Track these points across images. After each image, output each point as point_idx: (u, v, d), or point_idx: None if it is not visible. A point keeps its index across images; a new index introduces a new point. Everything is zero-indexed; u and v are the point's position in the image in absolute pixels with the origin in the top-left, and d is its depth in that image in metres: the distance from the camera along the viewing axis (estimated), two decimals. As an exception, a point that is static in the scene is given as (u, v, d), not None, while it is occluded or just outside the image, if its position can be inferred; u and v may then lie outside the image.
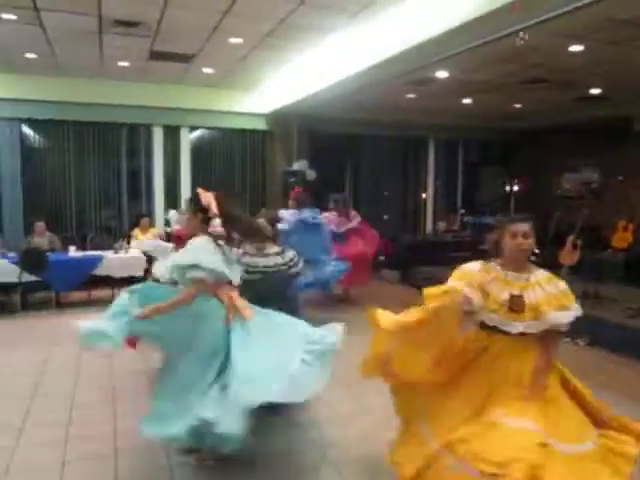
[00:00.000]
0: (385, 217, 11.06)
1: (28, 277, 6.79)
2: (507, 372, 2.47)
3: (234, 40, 6.31)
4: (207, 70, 7.88)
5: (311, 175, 9.33)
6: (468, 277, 2.52)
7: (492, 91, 8.51)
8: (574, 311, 2.43)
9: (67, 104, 8.49)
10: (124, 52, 6.91)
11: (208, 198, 3.01)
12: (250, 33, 6.06)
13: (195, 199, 3.04)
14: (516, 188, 11.06)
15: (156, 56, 7.02)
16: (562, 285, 2.49)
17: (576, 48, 6.08)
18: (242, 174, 9.96)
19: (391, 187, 11.44)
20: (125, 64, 7.52)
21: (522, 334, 2.44)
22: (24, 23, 5.68)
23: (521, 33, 4.61)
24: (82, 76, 8.28)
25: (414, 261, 9.21)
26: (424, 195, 11.71)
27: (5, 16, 5.46)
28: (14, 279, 6.77)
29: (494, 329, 2.49)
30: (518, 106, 9.94)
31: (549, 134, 10.97)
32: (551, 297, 2.43)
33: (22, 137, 8.64)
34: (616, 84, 7.91)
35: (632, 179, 9.54)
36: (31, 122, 8.67)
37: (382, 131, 10.68)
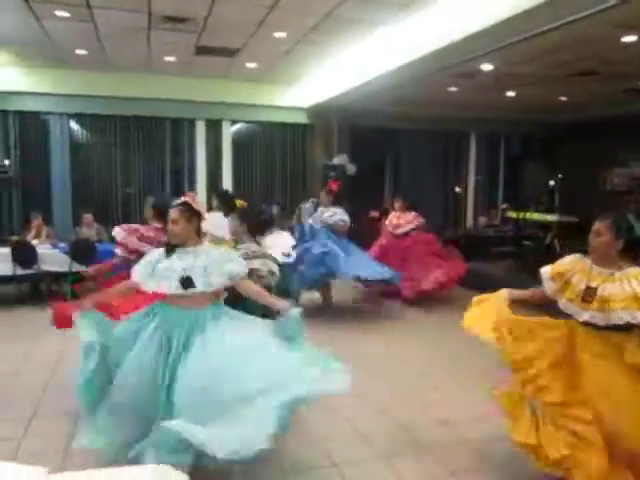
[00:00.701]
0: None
1: (78, 267, 6.99)
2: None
3: (278, 35, 6.35)
4: (250, 65, 7.95)
5: (351, 169, 9.31)
6: (557, 267, 2.77)
7: (537, 84, 8.32)
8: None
9: (114, 99, 8.71)
10: (171, 47, 7.04)
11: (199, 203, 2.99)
12: (294, 27, 6.09)
13: (187, 205, 2.92)
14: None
15: (202, 51, 7.12)
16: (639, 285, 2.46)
17: (629, 39, 5.90)
18: (282, 168, 10.03)
19: (432, 181, 11.31)
20: (171, 59, 7.66)
21: (600, 327, 2.55)
22: (77, 20, 5.85)
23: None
24: (129, 71, 8.47)
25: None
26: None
27: (59, 13, 5.63)
28: (65, 269, 7.01)
29: (570, 317, 2.68)
30: (563, 99, 9.69)
31: (595, 127, 10.65)
32: (625, 294, 2.44)
33: (71, 132, 8.91)
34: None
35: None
36: (79, 117, 8.92)
37: (423, 125, 10.57)
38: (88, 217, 7.86)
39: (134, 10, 5.51)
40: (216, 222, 4.31)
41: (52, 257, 6.98)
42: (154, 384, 2.73)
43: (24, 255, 6.82)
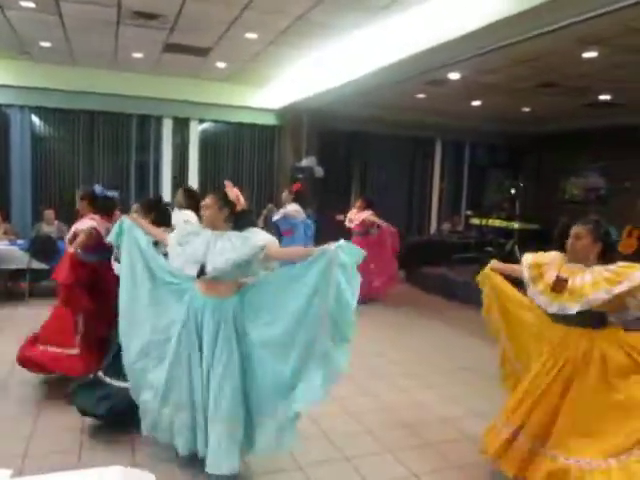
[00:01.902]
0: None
1: (37, 264, 6.82)
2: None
3: (250, 35, 6.33)
4: (220, 64, 7.89)
5: (319, 172, 9.36)
6: (537, 257, 2.90)
7: (502, 94, 8.53)
8: (615, 287, 2.51)
9: (78, 93, 8.50)
10: (139, 43, 6.93)
11: (236, 193, 3.00)
12: (266, 29, 6.08)
13: (223, 194, 2.99)
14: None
15: (171, 48, 7.04)
16: (615, 268, 2.59)
17: (590, 54, 6.12)
18: (250, 168, 9.98)
19: (397, 186, 11.45)
20: (139, 55, 7.53)
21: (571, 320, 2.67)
22: (42, 11, 5.70)
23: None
24: (94, 66, 8.29)
25: (419, 260, 9.26)
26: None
27: (24, 4, 5.48)
28: (22, 266, 6.81)
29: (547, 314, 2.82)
30: (527, 110, 9.96)
31: (557, 139, 11.01)
32: (595, 280, 2.57)
33: (32, 126, 8.65)
34: (626, 91, 7.95)
35: (639, 185, 9.59)
36: (41, 110, 8.67)
37: (391, 130, 10.70)
38: (49, 213, 7.67)
39: (103, 4, 5.41)
40: (188, 219, 4.31)
41: (10, 254, 6.78)
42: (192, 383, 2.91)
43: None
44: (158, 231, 3.30)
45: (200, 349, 2.87)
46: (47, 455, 3.17)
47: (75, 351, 3.97)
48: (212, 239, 2.90)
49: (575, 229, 2.72)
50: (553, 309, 2.71)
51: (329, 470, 3.17)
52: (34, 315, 6.24)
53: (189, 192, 5.24)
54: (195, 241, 2.94)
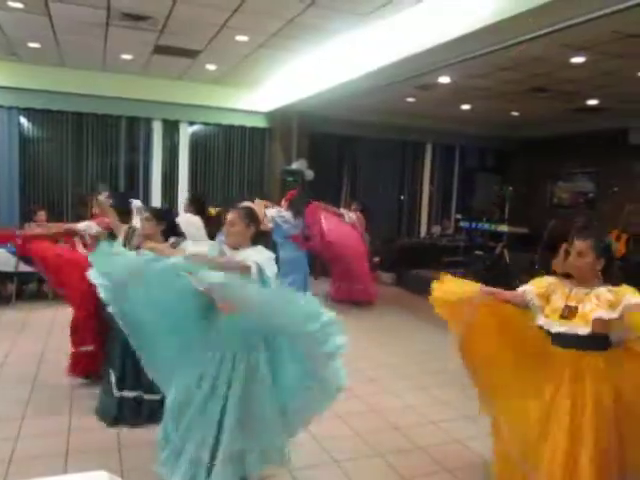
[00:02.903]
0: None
1: (25, 267, 6.74)
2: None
3: (240, 38, 6.32)
4: (210, 67, 7.88)
5: (309, 175, 9.36)
6: (538, 287, 2.76)
7: (492, 98, 8.59)
8: (614, 312, 2.46)
9: (67, 95, 8.44)
10: (129, 45, 6.90)
11: (262, 211, 2.96)
12: (257, 31, 6.08)
13: (250, 210, 2.91)
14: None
15: (161, 50, 7.01)
16: (612, 295, 2.52)
17: (578, 60, 6.18)
18: (241, 171, 9.96)
19: (387, 190, 11.49)
20: (128, 57, 7.50)
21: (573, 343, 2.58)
22: (31, 12, 5.66)
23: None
24: (83, 67, 8.24)
25: (409, 264, 9.28)
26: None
27: (12, 4, 5.43)
28: (10, 269, 6.74)
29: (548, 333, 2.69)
30: (516, 114, 10.04)
31: (545, 143, 11.10)
32: (598, 303, 2.52)
33: (20, 126, 8.58)
34: (613, 96, 8.03)
35: (626, 190, 9.69)
36: (30, 111, 8.60)
37: (381, 134, 10.73)
38: (41, 215, 7.56)
39: (92, 5, 5.37)
40: (194, 223, 4.33)
41: (-3, 256, 6.71)
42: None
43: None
44: (173, 252, 3.10)
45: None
46: (33, 460, 3.14)
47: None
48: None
49: (578, 245, 2.61)
50: (560, 329, 2.61)
51: (318, 474, 3.16)
52: (21, 318, 6.22)
53: (195, 199, 5.38)
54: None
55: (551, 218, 10.24)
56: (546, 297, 2.71)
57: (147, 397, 3.56)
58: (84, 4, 5.35)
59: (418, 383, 4.69)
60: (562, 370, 2.63)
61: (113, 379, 3.62)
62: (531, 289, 2.77)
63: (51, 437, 3.42)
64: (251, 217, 2.87)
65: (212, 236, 4.76)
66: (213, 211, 6.13)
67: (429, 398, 4.38)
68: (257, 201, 2.92)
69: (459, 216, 11.35)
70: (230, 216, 2.85)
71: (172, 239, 3.65)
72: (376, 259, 9.25)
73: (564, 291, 2.66)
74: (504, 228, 9.21)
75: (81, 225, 4.65)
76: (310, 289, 6.04)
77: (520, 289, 2.82)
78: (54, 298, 7.09)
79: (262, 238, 2.94)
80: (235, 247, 2.82)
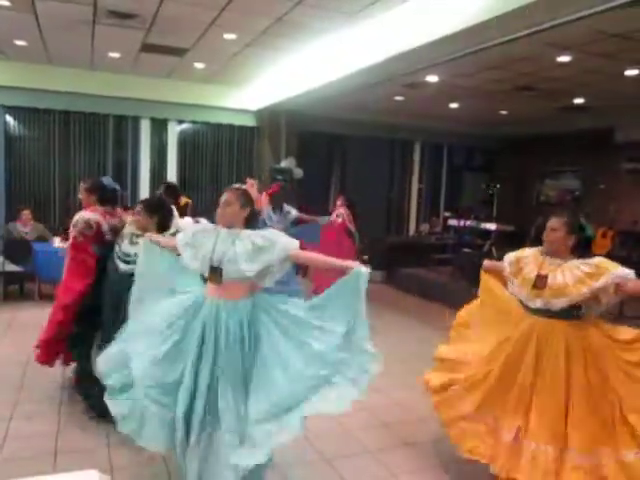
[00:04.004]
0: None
1: (12, 267, 6.71)
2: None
3: (228, 36, 6.31)
4: (198, 65, 7.85)
5: (298, 173, 9.34)
6: (518, 253, 3.04)
7: (479, 97, 8.65)
8: (597, 283, 2.64)
9: (54, 93, 8.38)
10: (116, 43, 6.86)
11: (255, 193, 2.87)
12: (245, 30, 6.07)
13: (245, 191, 2.80)
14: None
15: (148, 49, 6.98)
16: (596, 262, 2.71)
17: (564, 59, 6.24)
18: (229, 169, 9.94)
19: (376, 188, 11.52)
20: (116, 55, 7.45)
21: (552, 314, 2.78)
22: (17, 10, 5.61)
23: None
24: (71, 65, 8.18)
25: (398, 261, 9.32)
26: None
27: (-2, 2, 5.39)
28: (-4, 268, 6.70)
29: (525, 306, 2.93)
30: (504, 113, 10.11)
31: (532, 142, 11.19)
32: (575, 278, 2.70)
33: (6, 125, 8.50)
34: (599, 95, 8.12)
35: (612, 187, 9.80)
36: (16, 110, 8.53)
37: (369, 132, 10.76)
38: (27, 213, 7.50)
39: (78, 2, 5.34)
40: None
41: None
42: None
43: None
44: (171, 241, 3.06)
45: (201, 349, 2.63)
46: (21, 461, 3.12)
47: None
48: (228, 239, 2.66)
49: (550, 222, 2.86)
50: (537, 304, 2.82)
51: (308, 471, 3.17)
52: (7, 318, 6.17)
53: (169, 187, 5.26)
54: (207, 241, 2.71)
55: (538, 216, 10.33)
56: (520, 264, 2.96)
57: None
58: (70, 1, 5.31)
59: (406, 380, 4.69)
60: (530, 330, 2.86)
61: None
62: (509, 255, 3.07)
63: (39, 438, 3.40)
64: (246, 198, 2.77)
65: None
66: (187, 201, 6.17)
67: (417, 394, 4.39)
68: (249, 181, 2.87)
69: (447, 214, 11.41)
70: (225, 195, 2.73)
71: (172, 230, 3.55)
72: (365, 257, 9.27)
73: (537, 262, 2.88)
74: (492, 226, 9.26)
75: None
76: (295, 280, 6.04)
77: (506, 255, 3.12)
78: (40, 298, 7.06)
79: (256, 219, 2.87)
80: (229, 227, 2.72)
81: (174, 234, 3.53)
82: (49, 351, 3.95)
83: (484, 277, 3.37)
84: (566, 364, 2.72)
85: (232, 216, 2.71)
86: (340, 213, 7.64)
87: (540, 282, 2.79)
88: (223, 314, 2.61)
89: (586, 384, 2.69)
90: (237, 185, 2.93)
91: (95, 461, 3.09)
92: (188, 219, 4.45)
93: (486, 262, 3.43)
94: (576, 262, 2.76)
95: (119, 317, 3.25)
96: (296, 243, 2.70)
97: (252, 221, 2.80)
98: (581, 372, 2.70)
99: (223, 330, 2.59)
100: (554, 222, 2.85)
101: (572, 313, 2.76)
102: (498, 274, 3.24)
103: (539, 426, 2.69)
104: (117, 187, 4.36)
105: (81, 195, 4.19)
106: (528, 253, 2.99)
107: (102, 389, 2.89)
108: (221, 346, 2.58)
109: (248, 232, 2.69)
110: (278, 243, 2.62)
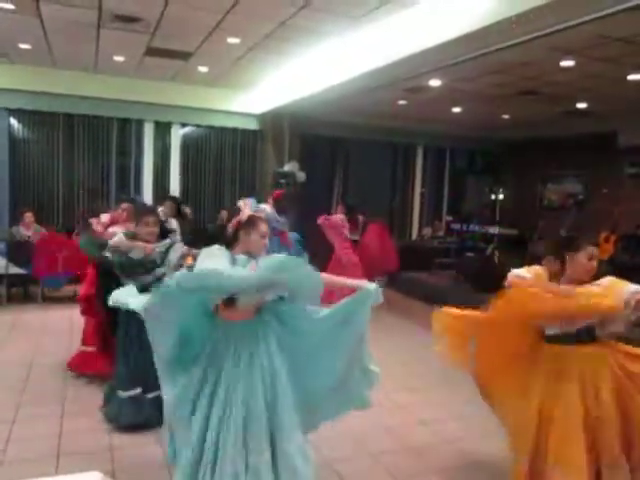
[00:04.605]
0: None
1: (15, 269, 6.74)
2: None
3: (232, 40, 6.33)
4: (202, 68, 7.88)
5: (301, 177, 9.37)
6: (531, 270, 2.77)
7: (482, 101, 8.65)
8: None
9: (58, 96, 8.43)
10: (120, 47, 6.89)
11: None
12: (249, 34, 6.09)
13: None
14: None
15: (153, 52, 7.01)
16: (605, 283, 2.58)
17: (567, 63, 6.25)
18: (232, 173, 9.97)
19: (379, 192, 11.53)
20: (120, 59, 7.49)
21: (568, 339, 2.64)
22: (22, 13, 5.64)
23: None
24: (75, 69, 8.22)
25: (401, 266, 9.31)
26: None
27: (3, 5, 5.41)
28: (0, 271, 6.72)
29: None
30: (506, 117, 10.12)
31: (535, 145, 11.19)
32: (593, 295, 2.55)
33: (10, 128, 8.54)
34: (602, 99, 8.12)
35: (615, 192, 9.79)
36: (20, 113, 8.56)
37: (372, 136, 10.78)
38: (29, 216, 7.53)
39: (84, 6, 5.37)
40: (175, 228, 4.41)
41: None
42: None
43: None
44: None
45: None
46: (24, 462, 3.13)
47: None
48: (245, 263, 2.60)
49: (592, 250, 2.66)
50: (552, 331, 2.68)
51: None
52: (11, 321, 6.19)
53: (174, 201, 5.51)
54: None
55: (541, 220, 10.35)
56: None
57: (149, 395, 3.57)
58: (75, 5, 5.34)
59: (407, 383, 4.72)
60: (552, 366, 2.69)
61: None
62: (521, 274, 2.76)
63: (42, 439, 3.41)
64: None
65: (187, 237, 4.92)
66: (187, 212, 6.26)
67: (419, 398, 4.41)
68: (244, 201, 2.88)
69: (450, 218, 11.41)
70: (263, 227, 2.68)
71: (166, 241, 3.72)
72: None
73: (550, 284, 2.68)
74: (495, 230, 9.26)
75: None
76: None
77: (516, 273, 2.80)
78: (44, 300, 7.09)
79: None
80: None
81: (170, 244, 3.67)
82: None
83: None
84: (582, 390, 2.61)
85: (265, 247, 2.69)
86: (341, 218, 7.62)
87: None
88: (242, 335, 2.57)
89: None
90: (257, 210, 2.95)
91: (97, 463, 3.09)
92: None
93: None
94: (588, 285, 2.60)
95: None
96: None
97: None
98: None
99: (245, 356, 2.54)
100: (594, 250, 2.66)
101: (586, 335, 2.65)
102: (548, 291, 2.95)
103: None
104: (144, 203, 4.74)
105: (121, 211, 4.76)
106: (534, 275, 2.75)
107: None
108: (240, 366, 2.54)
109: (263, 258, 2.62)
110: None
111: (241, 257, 2.63)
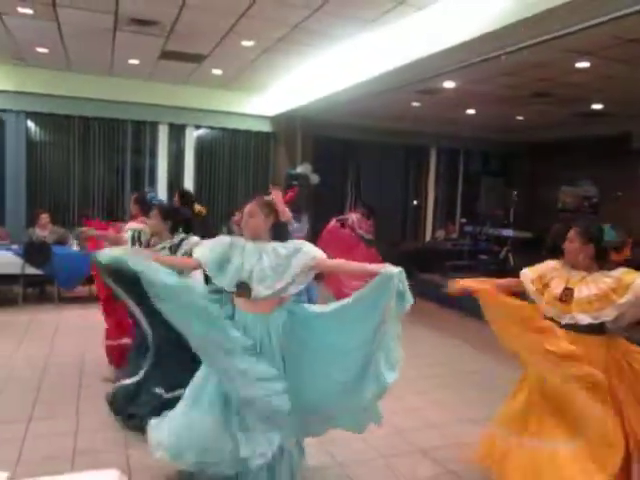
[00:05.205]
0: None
1: (32, 270, 6.83)
2: None
3: (246, 43, 6.37)
4: (216, 71, 7.94)
5: (315, 179, 9.36)
6: (537, 270, 2.92)
7: (496, 102, 8.61)
8: (622, 299, 2.55)
9: (74, 99, 8.53)
10: (136, 50, 6.96)
11: (281, 201, 2.82)
12: (263, 37, 6.13)
13: (268, 201, 2.78)
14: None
15: (167, 56, 7.07)
16: (618, 275, 2.63)
17: (583, 64, 6.20)
18: (245, 175, 10.02)
19: (392, 194, 11.52)
20: (135, 62, 7.57)
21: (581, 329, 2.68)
22: (40, 18, 5.73)
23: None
24: (91, 72, 8.32)
25: (414, 268, 9.29)
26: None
27: (22, 10, 5.50)
28: (17, 271, 6.81)
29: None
30: (520, 118, 10.05)
31: (549, 147, 11.11)
32: (607, 292, 2.61)
33: (27, 130, 8.66)
34: (617, 101, 8.04)
35: (630, 195, 9.68)
36: (37, 115, 8.69)
37: (385, 138, 10.77)
38: (45, 217, 7.62)
39: (100, 11, 5.44)
40: None
41: (4, 258, 6.77)
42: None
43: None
44: (178, 259, 3.13)
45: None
46: (40, 460, 3.17)
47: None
48: (254, 254, 2.62)
49: (570, 232, 2.82)
50: (565, 320, 2.72)
51: (321, 475, 3.18)
52: (28, 320, 6.28)
53: (184, 195, 5.48)
54: (234, 256, 2.65)
55: (555, 222, 10.26)
56: (543, 281, 2.85)
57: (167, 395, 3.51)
58: (92, 10, 5.41)
59: (418, 386, 4.70)
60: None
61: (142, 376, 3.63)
62: (527, 274, 2.93)
63: (58, 438, 3.45)
64: (270, 207, 2.75)
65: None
66: (201, 209, 6.29)
67: (430, 401, 4.39)
68: (274, 190, 2.77)
69: (464, 220, 11.35)
70: (249, 207, 2.73)
71: (181, 235, 3.71)
72: None
73: (563, 276, 2.80)
74: (509, 232, 9.21)
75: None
76: (315, 288, 6.10)
77: (522, 273, 2.98)
78: (60, 300, 7.17)
79: (281, 229, 2.81)
80: (254, 238, 2.71)
81: (183, 239, 3.66)
82: None
83: (485, 297, 2.94)
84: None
85: (256, 227, 2.69)
86: (352, 218, 7.65)
87: (566, 296, 2.72)
88: (253, 329, 2.61)
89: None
90: (261, 195, 2.93)
91: (113, 462, 3.12)
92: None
93: (483, 286, 2.95)
94: (599, 274, 2.69)
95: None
96: (321, 252, 2.66)
97: (279, 231, 2.77)
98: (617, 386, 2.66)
99: (256, 345, 2.60)
100: (571, 233, 2.81)
101: (597, 328, 2.68)
102: (505, 290, 3.01)
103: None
104: (159, 200, 4.87)
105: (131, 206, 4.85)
106: (550, 267, 2.90)
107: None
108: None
109: (273, 244, 2.66)
110: (302, 251, 2.60)
111: (239, 240, 2.71)
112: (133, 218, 4.71)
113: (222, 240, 2.78)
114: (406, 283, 2.49)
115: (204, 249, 2.75)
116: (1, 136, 8.45)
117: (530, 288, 2.90)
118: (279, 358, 2.64)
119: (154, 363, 3.56)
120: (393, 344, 2.61)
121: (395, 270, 2.47)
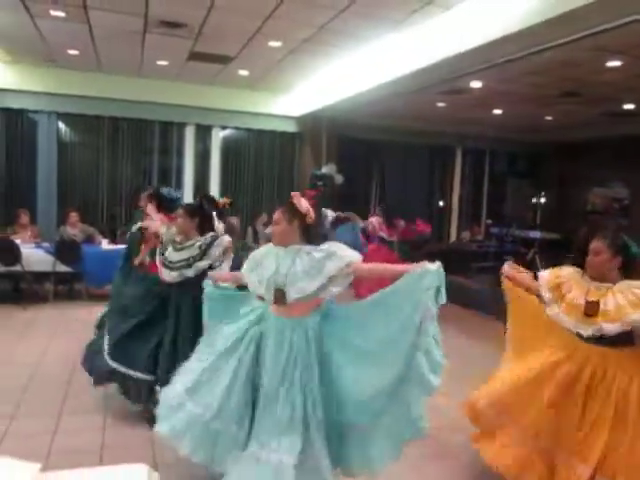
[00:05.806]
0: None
1: (62, 267, 6.97)
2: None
3: (273, 44, 6.41)
4: (242, 72, 8.00)
5: (339, 179, 9.39)
6: (555, 277, 2.82)
7: (524, 102, 8.50)
8: None
9: (103, 100, 8.69)
10: (164, 52, 7.07)
11: (306, 204, 2.70)
12: (289, 37, 6.16)
13: (290, 205, 2.72)
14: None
15: (195, 57, 7.16)
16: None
17: (614, 63, 6.09)
18: (271, 175, 10.07)
19: (417, 195, 11.45)
20: (164, 63, 7.68)
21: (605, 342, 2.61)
22: (72, 21, 5.85)
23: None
24: (120, 73, 8.48)
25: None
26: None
27: (54, 13, 5.63)
28: (48, 268, 6.96)
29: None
30: (549, 118, 9.91)
31: (578, 148, 10.92)
32: (631, 301, 2.52)
33: (58, 131, 8.85)
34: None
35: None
36: (68, 116, 8.87)
37: (410, 139, 10.72)
38: (74, 216, 7.78)
39: (130, 13, 5.53)
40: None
41: (36, 256, 6.93)
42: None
43: (6, 252, 6.74)
44: (237, 275, 3.05)
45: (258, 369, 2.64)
46: (70, 453, 3.24)
47: None
48: (287, 259, 2.61)
49: (593, 244, 2.67)
50: (588, 332, 2.61)
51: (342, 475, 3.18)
52: (58, 317, 6.41)
53: (208, 199, 5.39)
54: (269, 264, 2.65)
55: (584, 224, 10.08)
56: (561, 290, 2.75)
57: (135, 375, 3.61)
58: (122, 12, 5.51)
59: (442, 386, 4.65)
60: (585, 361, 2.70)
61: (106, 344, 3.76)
62: (545, 276, 2.86)
63: (87, 433, 3.52)
64: (292, 211, 2.68)
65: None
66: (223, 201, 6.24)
67: (454, 402, 4.34)
68: (294, 195, 2.75)
69: (489, 221, 11.23)
70: (275, 215, 2.71)
71: (210, 234, 3.69)
72: None
73: (583, 287, 2.69)
74: (536, 234, 9.08)
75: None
76: None
77: (540, 275, 2.91)
78: (90, 298, 7.31)
79: (310, 231, 2.73)
80: (283, 245, 2.67)
81: (214, 238, 3.66)
82: None
83: (509, 286, 3.19)
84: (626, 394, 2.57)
85: (282, 234, 2.66)
86: (371, 222, 7.65)
87: (591, 309, 2.59)
88: (288, 331, 2.59)
89: None
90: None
91: (140, 457, 3.16)
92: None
93: (508, 268, 3.19)
94: (625, 284, 2.58)
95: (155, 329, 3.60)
96: (358, 255, 2.62)
97: (311, 234, 2.71)
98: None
99: (286, 347, 2.57)
100: (597, 244, 2.66)
101: (625, 339, 2.58)
102: (520, 285, 3.08)
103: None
104: (177, 196, 4.59)
105: (143, 202, 4.59)
106: (567, 276, 2.78)
107: None
108: (282, 361, 2.55)
109: (308, 248, 2.62)
110: (337, 255, 2.55)
111: (273, 247, 2.73)
112: (146, 216, 4.51)
113: (260, 250, 2.85)
114: (444, 280, 2.43)
115: (247, 263, 2.82)
116: (33, 137, 8.66)
117: (546, 294, 2.80)
118: (315, 362, 2.56)
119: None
120: (433, 346, 2.54)
121: (434, 266, 2.44)
